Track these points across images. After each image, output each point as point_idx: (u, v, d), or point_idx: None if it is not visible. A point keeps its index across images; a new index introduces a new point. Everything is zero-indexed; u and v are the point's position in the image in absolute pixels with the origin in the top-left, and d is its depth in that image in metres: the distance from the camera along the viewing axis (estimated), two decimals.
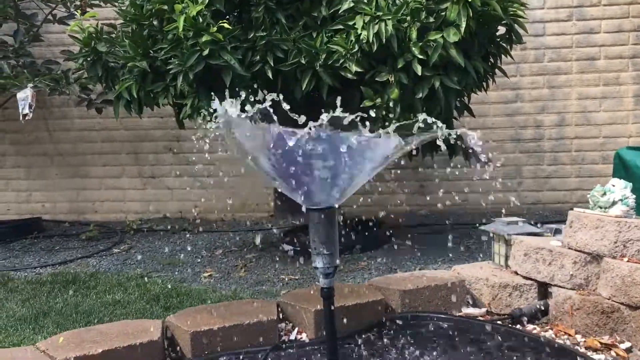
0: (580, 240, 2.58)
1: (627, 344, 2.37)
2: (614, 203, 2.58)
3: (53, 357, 2.20)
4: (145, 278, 3.71)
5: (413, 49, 3.44)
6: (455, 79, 3.53)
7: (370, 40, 3.40)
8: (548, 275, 2.69)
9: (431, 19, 3.47)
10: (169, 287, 3.46)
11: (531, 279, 2.77)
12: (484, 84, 3.99)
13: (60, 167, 5.81)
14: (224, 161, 5.22)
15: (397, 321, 2.65)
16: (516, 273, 2.86)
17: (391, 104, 3.48)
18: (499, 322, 2.68)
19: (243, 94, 1.99)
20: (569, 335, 2.53)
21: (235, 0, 3.67)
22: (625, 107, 5.28)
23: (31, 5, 5.21)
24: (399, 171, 5.21)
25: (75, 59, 4.06)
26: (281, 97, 1.92)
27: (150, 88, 3.76)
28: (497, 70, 4.02)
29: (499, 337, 2.49)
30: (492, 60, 3.94)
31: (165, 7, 3.55)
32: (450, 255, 3.81)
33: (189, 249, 4.51)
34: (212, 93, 2.82)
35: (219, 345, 2.41)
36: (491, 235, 3.09)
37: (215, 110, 1.95)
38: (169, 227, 5.24)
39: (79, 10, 4.46)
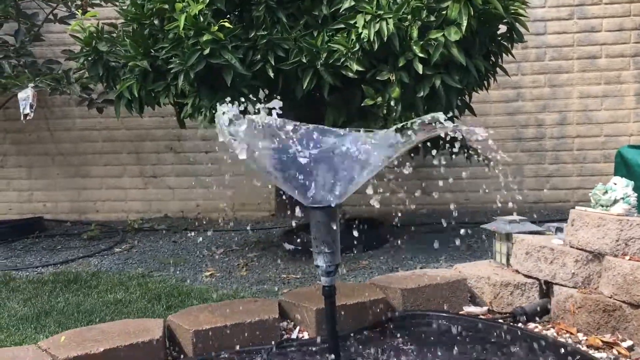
0: (582, 238, 2.58)
1: (629, 342, 2.37)
2: (615, 201, 2.58)
3: (55, 356, 2.20)
4: (147, 277, 3.72)
5: (414, 47, 3.44)
6: (456, 77, 3.53)
7: (371, 39, 3.40)
8: (550, 274, 2.69)
9: (432, 18, 3.47)
10: (171, 286, 3.47)
11: (533, 278, 2.77)
12: (485, 82, 3.99)
13: (61, 167, 5.82)
14: (224, 161, 5.24)
15: (399, 320, 2.65)
16: (518, 271, 2.86)
17: (392, 103, 3.48)
18: (500, 320, 2.68)
19: (243, 100, 1.99)
20: (571, 333, 2.53)
21: None
22: (626, 105, 5.27)
23: (32, 4, 5.21)
24: (399, 170, 5.19)
25: (76, 58, 4.06)
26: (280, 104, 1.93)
27: (151, 87, 3.76)
28: (498, 69, 4.01)
29: (501, 336, 2.49)
30: (493, 58, 3.93)
31: (166, 6, 3.55)
32: (452, 254, 3.80)
33: (190, 248, 4.52)
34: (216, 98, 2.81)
35: (220, 344, 2.41)
36: (493, 233, 3.09)
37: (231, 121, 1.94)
38: (170, 226, 5.25)
39: (79, 10, 4.47)
